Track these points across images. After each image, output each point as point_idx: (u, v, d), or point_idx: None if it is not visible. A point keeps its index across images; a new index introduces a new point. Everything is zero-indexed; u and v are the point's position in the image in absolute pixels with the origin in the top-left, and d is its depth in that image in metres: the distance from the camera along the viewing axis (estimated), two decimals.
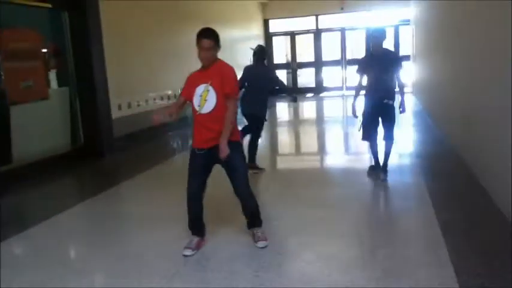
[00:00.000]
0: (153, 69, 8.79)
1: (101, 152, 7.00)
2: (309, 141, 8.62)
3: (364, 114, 5.08)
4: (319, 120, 12.00)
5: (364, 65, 5.16)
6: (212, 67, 3.36)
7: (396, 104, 4.99)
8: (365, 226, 3.97)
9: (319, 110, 13.60)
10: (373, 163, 5.31)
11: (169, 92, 9.36)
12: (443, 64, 7.61)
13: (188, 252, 3.39)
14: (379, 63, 4.94)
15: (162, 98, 9.06)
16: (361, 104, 5.13)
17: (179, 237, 3.61)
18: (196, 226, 3.50)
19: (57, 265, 3.41)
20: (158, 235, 3.83)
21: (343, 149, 7.78)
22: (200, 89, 3.34)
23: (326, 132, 9.44)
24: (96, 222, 4.48)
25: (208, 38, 3.27)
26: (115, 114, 7.46)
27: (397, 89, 5.07)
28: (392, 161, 5.27)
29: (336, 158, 7.00)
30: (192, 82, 3.42)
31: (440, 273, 2.90)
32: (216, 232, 3.74)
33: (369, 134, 5.07)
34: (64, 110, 6.94)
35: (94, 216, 4.62)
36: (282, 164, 7.12)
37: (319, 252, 3.34)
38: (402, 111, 5.18)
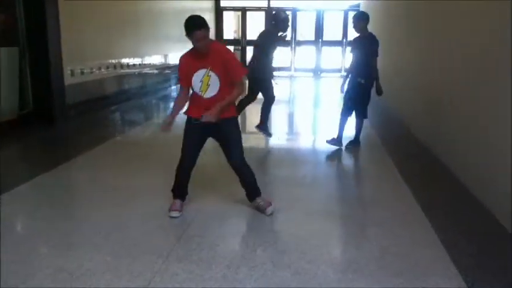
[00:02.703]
0: (109, 36, 8.27)
1: (52, 118, 6.50)
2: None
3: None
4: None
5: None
6: (212, 52, 3.29)
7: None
8: (345, 203, 4.03)
9: None
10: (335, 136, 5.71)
11: (125, 61, 8.89)
12: (398, 54, 7.87)
13: (176, 214, 3.50)
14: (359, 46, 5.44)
15: (115, 67, 8.58)
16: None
17: (164, 209, 3.54)
18: (181, 191, 3.61)
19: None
20: (140, 208, 3.66)
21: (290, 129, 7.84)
22: (199, 74, 3.30)
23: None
24: (65, 194, 4.18)
25: (199, 28, 3.18)
26: (67, 80, 6.95)
27: None
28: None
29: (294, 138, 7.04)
30: (188, 68, 3.35)
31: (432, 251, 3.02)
32: (208, 208, 3.68)
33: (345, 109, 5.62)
34: (12, 72, 6.32)
35: (59, 189, 4.30)
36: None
37: (312, 230, 3.35)
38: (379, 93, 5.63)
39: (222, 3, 16.11)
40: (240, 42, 16.24)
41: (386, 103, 7.94)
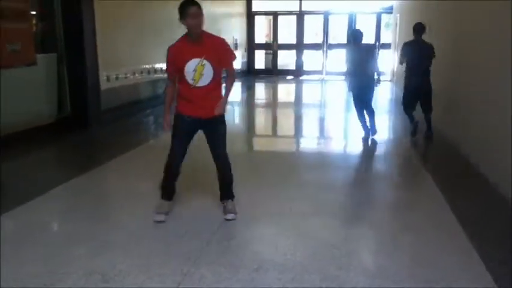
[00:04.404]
0: (143, 42, 8.46)
1: (88, 123, 6.71)
2: (287, 125, 8.59)
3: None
4: (298, 103, 11.91)
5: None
6: (202, 40, 3.29)
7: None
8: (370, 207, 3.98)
9: (298, 93, 13.60)
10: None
11: (158, 66, 9.07)
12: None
13: (161, 217, 3.48)
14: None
15: (148, 72, 8.77)
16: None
17: (194, 213, 3.56)
18: (169, 191, 3.59)
19: (64, 243, 3.25)
20: (171, 212, 3.72)
21: (321, 133, 7.79)
22: (192, 63, 3.27)
23: (304, 116, 9.38)
24: (98, 197, 4.30)
25: (194, 4, 3.20)
26: (103, 86, 7.15)
27: None
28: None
29: (316, 142, 7.00)
30: (180, 57, 3.30)
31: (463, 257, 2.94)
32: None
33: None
34: (51, 77, 6.57)
35: (92, 192, 4.42)
36: (256, 146, 7.07)
37: (342, 235, 3.32)
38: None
39: (254, 8, 16.20)
40: (271, 46, 16.28)
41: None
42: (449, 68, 6.28)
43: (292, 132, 8.05)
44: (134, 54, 8.16)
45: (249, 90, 13.33)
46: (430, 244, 3.19)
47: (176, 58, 3.32)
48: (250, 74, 15.86)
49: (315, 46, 15.73)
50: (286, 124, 8.74)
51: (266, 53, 16.66)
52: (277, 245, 3.23)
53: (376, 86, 6.29)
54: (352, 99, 6.38)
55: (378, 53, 6.84)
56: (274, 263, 2.91)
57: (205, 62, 3.25)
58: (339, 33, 15.98)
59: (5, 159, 5.00)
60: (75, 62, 6.63)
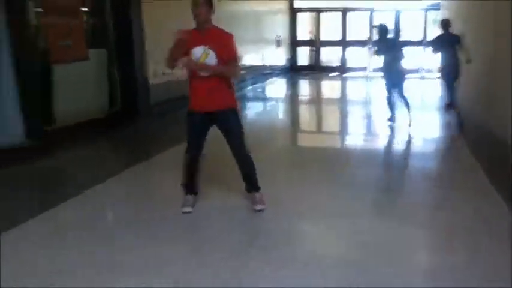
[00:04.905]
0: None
1: (137, 117, 6.88)
2: (331, 121, 8.49)
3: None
4: (342, 100, 11.74)
5: None
6: (210, 31, 3.39)
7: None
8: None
9: (342, 90, 13.43)
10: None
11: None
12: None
13: (188, 209, 3.57)
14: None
15: None
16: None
17: (242, 206, 3.61)
18: (192, 186, 3.67)
19: (120, 231, 3.34)
20: (218, 205, 3.76)
21: (367, 130, 7.64)
22: (198, 51, 3.35)
23: (348, 113, 9.24)
24: (149, 189, 4.40)
25: None
26: (151, 80, 7.30)
27: None
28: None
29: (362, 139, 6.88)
30: (186, 43, 3.35)
31: None
32: (286, 207, 3.68)
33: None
34: (102, 72, 6.77)
35: (145, 183, 4.54)
36: (301, 142, 7.02)
37: (392, 234, 3.25)
38: None
39: (296, 5, 16.10)
40: (315, 43, 16.14)
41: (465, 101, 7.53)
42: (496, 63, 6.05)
43: (336, 128, 7.96)
44: None
45: (292, 87, 13.29)
46: (486, 244, 3.06)
47: (183, 44, 3.37)
48: (293, 71, 15.80)
49: (359, 43, 15.48)
50: (330, 120, 8.65)
51: (310, 50, 16.54)
52: (326, 241, 3.20)
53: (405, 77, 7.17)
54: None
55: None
56: (324, 258, 2.89)
57: (209, 50, 3.33)
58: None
59: (60, 151, 5.20)
60: (125, 57, 6.81)
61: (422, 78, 13.57)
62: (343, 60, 15.87)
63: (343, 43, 15.71)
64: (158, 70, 7.56)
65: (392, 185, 4.51)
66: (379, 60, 7.18)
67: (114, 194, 4.21)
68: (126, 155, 5.59)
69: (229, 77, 3.47)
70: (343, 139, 7.03)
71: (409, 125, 6.81)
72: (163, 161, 5.19)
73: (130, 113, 6.84)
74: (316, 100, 11.65)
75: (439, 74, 7.86)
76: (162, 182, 4.68)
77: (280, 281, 2.59)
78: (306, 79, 14.81)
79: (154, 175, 4.92)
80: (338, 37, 15.78)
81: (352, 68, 15.67)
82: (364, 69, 15.31)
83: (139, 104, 6.90)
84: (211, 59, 3.34)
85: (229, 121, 3.52)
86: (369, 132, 7.48)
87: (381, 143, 6.63)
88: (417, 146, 6.34)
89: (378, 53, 7.19)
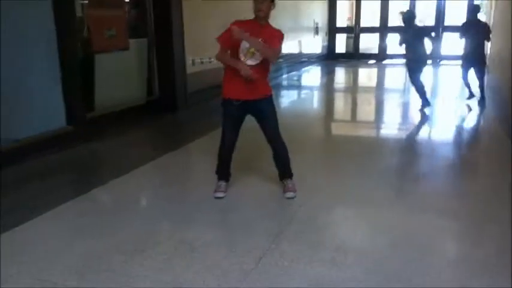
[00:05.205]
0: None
1: (175, 105, 7.05)
2: (368, 110, 8.36)
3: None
4: (380, 88, 11.53)
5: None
6: (266, 28, 3.44)
7: None
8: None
9: (380, 78, 13.18)
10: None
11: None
12: None
13: (221, 194, 3.67)
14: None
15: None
16: None
17: (273, 193, 3.68)
18: (225, 172, 3.76)
19: (158, 215, 3.50)
20: (253, 190, 3.85)
21: (404, 119, 7.47)
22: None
23: (385, 101, 9.07)
24: (184, 174, 4.55)
25: None
26: (189, 69, 7.45)
27: None
28: None
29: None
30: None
31: None
32: (318, 193, 3.73)
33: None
34: (142, 61, 6.96)
35: (181, 169, 4.68)
36: (335, 130, 6.98)
37: (423, 224, 3.24)
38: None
39: None
40: (354, 30, 15.88)
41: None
42: None
43: (372, 117, 7.87)
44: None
45: (328, 75, 13.17)
46: None
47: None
48: (330, 58, 15.62)
49: (400, 29, 15.08)
50: (365, 109, 8.54)
51: (347, 37, 16.30)
52: (356, 229, 3.24)
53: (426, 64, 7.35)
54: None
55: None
56: (353, 246, 2.93)
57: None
58: (426, 17, 15.19)
59: (101, 137, 5.44)
60: (164, 46, 6.95)
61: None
62: (382, 47, 15.55)
63: (383, 29, 15.38)
64: (196, 59, 7.70)
65: (427, 174, 4.45)
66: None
67: (150, 179, 4.38)
68: (163, 142, 5.77)
69: (269, 57, 3.45)
70: (378, 128, 6.95)
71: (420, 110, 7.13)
72: (198, 147, 5.34)
73: (168, 101, 7.00)
74: (353, 88, 11.50)
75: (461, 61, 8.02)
76: (196, 167, 4.83)
77: (311, 269, 2.65)
78: (343, 67, 14.63)
79: (189, 161, 5.08)
80: (377, 23, 15.46)
81: (391, 54, 15.34)
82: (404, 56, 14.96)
83: (177, 92, 7.05)
84: (259, 55, 3.39)
85: (265, 109, 3.58)
86: (405, 120, 7.36)
87: (416, 131, 6.52)
88: (453, 134, 6.21)
89: (400, 43, 7.10)
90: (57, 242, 3.00)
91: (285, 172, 3.75)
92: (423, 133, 6.54)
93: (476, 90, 7.67)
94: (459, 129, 6.51)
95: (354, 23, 16.01)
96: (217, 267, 2.64)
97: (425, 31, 7.44)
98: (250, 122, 3.67)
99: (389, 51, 15.45)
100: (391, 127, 6.88)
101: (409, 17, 7.09)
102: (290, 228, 3.18)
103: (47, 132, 5.00)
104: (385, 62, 15.08)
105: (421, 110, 7.15)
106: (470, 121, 7.14)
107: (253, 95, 3.50)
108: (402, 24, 7.14)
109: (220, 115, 3.67)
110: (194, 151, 5.31)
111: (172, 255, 2.80)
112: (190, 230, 3.15)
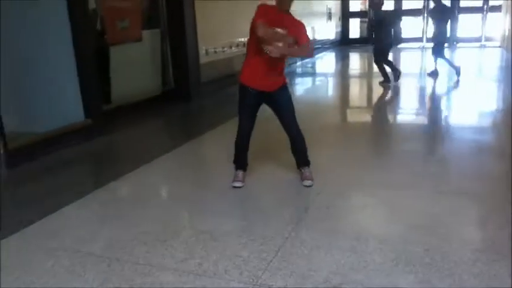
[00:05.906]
0: (238, 15, 8.61)
1: (189, 95, 7.07)
2: (381, 95, 8.28)
3: None
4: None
5: None
6: (288, 18, 3.42)
7: None
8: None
9: (395, 62, 12.95)
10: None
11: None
12: None
13: (239, 184, 3.68)
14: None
15: (244, 45, 8.91)
16: None
17: (290, 181, 3.68)
18: (243, 161, 3.75)
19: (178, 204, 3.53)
20: (270, 179, 3.86)
21: (420, 104, 7.40)
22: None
23: (400, 86, 8.95)
24: (201, 164, 4.57)
25: None
26: (202, 59, 7.45)
27: None
28: None
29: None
30: (268, 18, 3.28)
31: None
32: (335, 181, 3.73)
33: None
34: (156, 52, 6.98)
35: (198, 159, 4.71)
36: (350, 117, 6.92)
37: (444, 208, 3.21)
38: None
39: None
40: (368, 14, 15.66)
41: None
42: None
43: (390, 103, 7.78)
44: (230, 27, 8.35)
45: (342, 60, 13.05)
46: None
47: (266, 15, 3.30)
48: (344, 43, 15.47)
49: (414, 12, 14.86)
50: (383, 94, 8.45)
51: (361, 21, 16.11)
52: (375, 215, 3.22)
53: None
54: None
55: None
56: (373, 233, 2.91)
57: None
58: None
59: (119, 129, 5.49)
60: (177, 37, 6.96)
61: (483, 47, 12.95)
62: (397, 31, 15.29)
63: (397, 13, 15.12)
64: (209, 48, 7.69)
65: (446, 157, 4.40)
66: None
67: (168, 169, 4.40)
68: (179, 132, 5.83)
69: (306, 56, 3.50)
70: (394, 113, 6.89)
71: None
72: (214, 137, 5.36)
73: (182, 92, 7.02)
74: (367, 74, 11.38)
75: None
76: (213, 157, 4.84)
77: (331, 256, 2.65)
78: (357, 52, 14.48)
79: (206, 151, 5.10)
80: (392, 7, 15.21)
81: (406, 38, 15.10)
82: (419, 39, 14.75)
83: (191, 82, 7.07)
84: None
85: (282, 98, 3.58)
86: (421, 105, 7.27)
87: (434, 116, 6.44)
88: (473, 117, 6.12)
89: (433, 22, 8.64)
90: (83, 232, 3.05)
91: (302, 160, 3.75)
92: (442, 116, 6.45)
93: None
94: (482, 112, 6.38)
95: (367, 6, 15.80)
96: (238, 256, 2.66)
97: (450, 11, 8.05)
98: (266, 111, 3.67)
99: (404, 35, 15.20)
100: (408, 112, 6.81)
101: None
102: (309, 216, 3.18)
103: (67, 126, 5.06)
104: (401, 45, 14.85)
105: (457, 80, 8.30)
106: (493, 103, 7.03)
107: (272, 87, 3.51)
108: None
109: (233, 105, 3.67)
110: (211, 141, 5.33)
111: (193, 244, 2.83)
112: (210, 220, 3.17)
